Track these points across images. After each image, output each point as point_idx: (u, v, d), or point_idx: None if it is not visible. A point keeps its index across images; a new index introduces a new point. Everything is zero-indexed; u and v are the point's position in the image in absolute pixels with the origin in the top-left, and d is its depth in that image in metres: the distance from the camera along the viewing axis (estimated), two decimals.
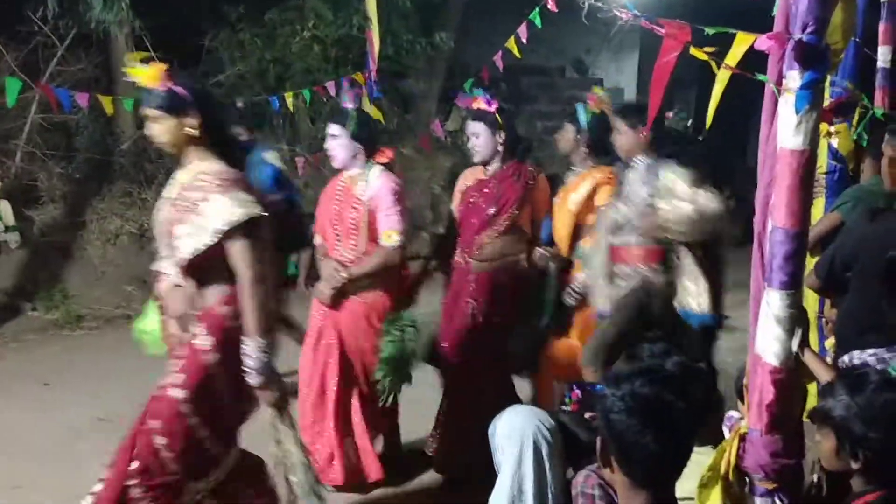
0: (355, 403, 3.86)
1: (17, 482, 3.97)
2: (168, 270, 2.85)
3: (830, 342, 3.41)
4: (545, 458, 2.44)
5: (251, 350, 2.69)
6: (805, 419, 2.57)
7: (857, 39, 4.04)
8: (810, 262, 3.07)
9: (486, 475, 2.68)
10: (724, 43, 2.11)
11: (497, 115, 3.99)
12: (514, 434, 2.49)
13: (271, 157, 4.99)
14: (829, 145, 3.98)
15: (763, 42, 1.96)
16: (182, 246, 2.73)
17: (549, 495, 2.49)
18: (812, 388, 2.99)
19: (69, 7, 7.38)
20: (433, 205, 9.48)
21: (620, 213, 3.82)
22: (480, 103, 4.01)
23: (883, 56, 4.36)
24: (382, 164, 3.90)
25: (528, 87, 12.30)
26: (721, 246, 3.78)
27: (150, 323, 3.00)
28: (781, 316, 2.01)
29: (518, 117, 10.09)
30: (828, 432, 2.15)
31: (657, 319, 3.71)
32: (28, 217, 7.55)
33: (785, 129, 1.97)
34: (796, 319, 2.02)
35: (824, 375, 2.44)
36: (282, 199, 4.74)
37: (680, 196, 3.65)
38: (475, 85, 5.44)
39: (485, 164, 4.07)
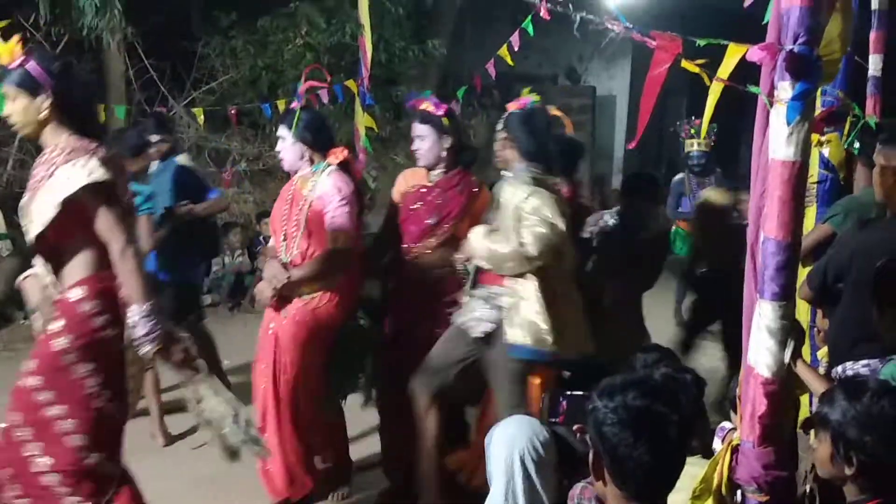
0: (290, 422, 3.70)
1: None
2: (35, 262, 2.75)
3: (823, 353, 3.40)
4: (533, 471, 2.43)
5: (137, 319, 2.56)
6: (798, 430, 2.57)
7: (848, 48, 4.05)
8: (802, 273, 3.07)
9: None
10: (717, 54, 2.10)
11: (444, 120, 3.78)
12: (506, 445, 2.47)
13: (182, 158, 4.89)
14: (820, 155, 3.97)
15: (755, 53, 1.95)
16: (32, 228, 2.64)
17: None
18: (804, 400, 2.99)
19: (61, 13, 7.37)
20: None
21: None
22: (428, 105, 3.81)
23: (874, 65, 4.37)
24: (338, 163, 3.73)
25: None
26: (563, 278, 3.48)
27: None
28: (773, 327, 2.00)
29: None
30: (824, 437, 2.14)
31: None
32: (19, 225, 7.49)
33: (776, 140, 1.96)
34: (789, 331, 2.02)
35: (817, 386, 2.44)
36: (184, 203, 4.63)
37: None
38: (468, 92, 5.46)
39: (428, 169, 3.86)
